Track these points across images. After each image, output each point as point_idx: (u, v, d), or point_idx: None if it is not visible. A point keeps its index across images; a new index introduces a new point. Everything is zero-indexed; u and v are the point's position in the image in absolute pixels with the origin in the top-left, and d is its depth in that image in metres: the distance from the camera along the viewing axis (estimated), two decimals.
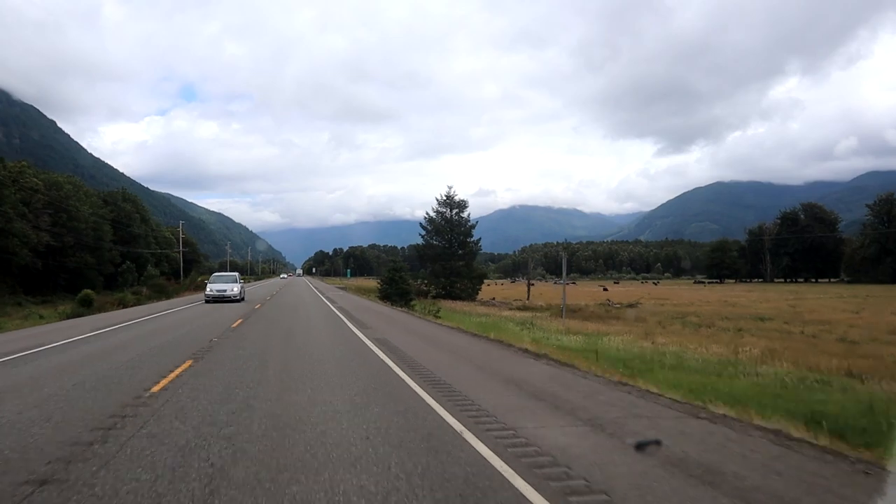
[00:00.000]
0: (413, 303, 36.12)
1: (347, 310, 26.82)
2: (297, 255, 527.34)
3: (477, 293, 56.24)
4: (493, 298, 56.35)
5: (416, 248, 59.81)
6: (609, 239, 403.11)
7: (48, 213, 50.51)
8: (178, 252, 77.73)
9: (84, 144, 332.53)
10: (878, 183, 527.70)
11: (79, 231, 53.30)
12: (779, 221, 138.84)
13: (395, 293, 37.06)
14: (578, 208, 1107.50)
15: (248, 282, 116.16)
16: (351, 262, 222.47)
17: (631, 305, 50.23)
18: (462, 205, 58.38)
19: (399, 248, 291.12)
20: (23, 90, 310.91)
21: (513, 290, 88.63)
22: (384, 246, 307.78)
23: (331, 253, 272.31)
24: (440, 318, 25.42)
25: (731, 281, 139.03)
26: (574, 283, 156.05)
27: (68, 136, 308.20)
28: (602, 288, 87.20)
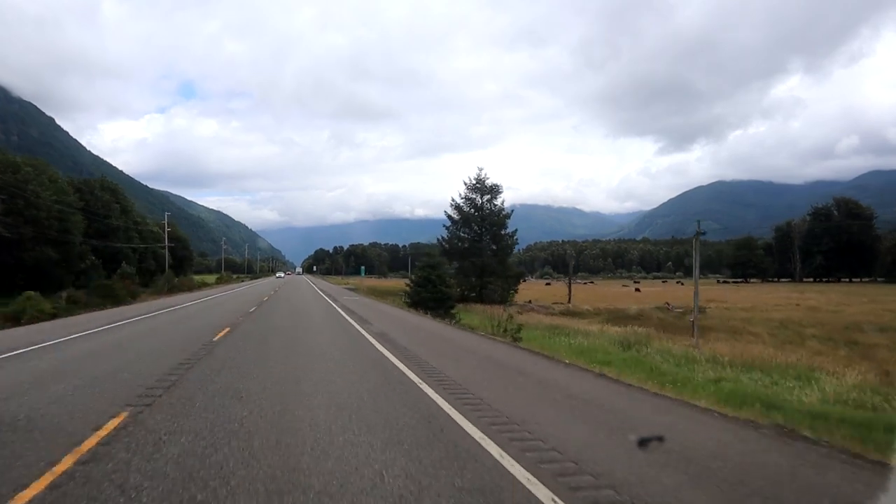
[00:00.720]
0: (454, 311, 27.56)
1: (389, 336, 15.38)
2: (296, 253, 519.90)
3: (513, 296, 47.05)
4: (530, 301, 47.89)
5: (440, 241, 49.89)
6: (614, 238, 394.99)
7: (0, 199, 42.12)
8: (164, 247, 69.36)
9: (83, 142, 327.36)
10: (879, 182, 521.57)
11: (39, 221, 44.84)
12: (808, 218, 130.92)
13: (431, 298, 28.36)
14: (578, 207, 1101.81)
15: (242, 281, 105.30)
16: (352, 260, 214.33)
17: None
18: (495, 190, 48.92)
19: (400, 245, 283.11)
20: (22, 87, 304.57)
21: (532, 289, 79.86)
22: (384, 244, 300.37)
23: (331, 251, 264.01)
24: (519, 339, 17.05)
25: (755, 280, 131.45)
26: (592, 282, 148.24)
27: (67, 133, 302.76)
28: (635, 289, 78.96)
